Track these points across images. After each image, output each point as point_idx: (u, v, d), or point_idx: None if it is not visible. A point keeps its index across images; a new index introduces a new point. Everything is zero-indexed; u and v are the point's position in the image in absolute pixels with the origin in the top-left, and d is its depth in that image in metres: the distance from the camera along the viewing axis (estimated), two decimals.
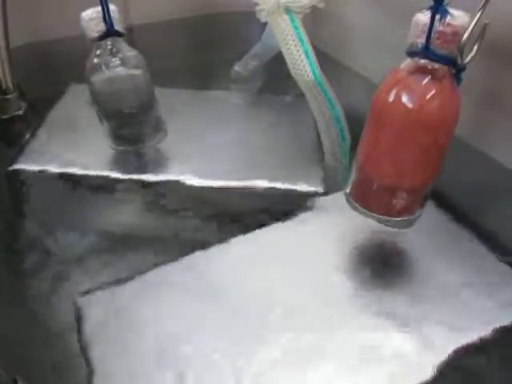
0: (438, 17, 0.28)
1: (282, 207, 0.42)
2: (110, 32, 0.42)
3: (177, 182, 0.46)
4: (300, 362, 0.31)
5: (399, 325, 0.33)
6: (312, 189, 0.44)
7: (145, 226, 0.43)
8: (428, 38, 0.29)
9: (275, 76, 0.58)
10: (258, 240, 0.40)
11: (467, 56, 0.30)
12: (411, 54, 0.30)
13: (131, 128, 0.48)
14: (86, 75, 0.44)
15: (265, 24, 0.49)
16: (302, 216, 0.42)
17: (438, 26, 0.28)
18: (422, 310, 0.34)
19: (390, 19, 0.52)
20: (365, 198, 0.36)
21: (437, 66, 0.30)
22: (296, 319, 0.34)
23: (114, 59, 0.44)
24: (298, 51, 0.44)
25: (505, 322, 0.33)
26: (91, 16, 0.41)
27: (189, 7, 0.74)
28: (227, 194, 0.45)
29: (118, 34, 0.43)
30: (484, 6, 0.29)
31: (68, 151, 0.49)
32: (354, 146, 0.39)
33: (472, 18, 0.29)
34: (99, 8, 0.41)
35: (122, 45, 0.44)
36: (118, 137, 0.48)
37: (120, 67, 0.44)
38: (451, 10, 0.28)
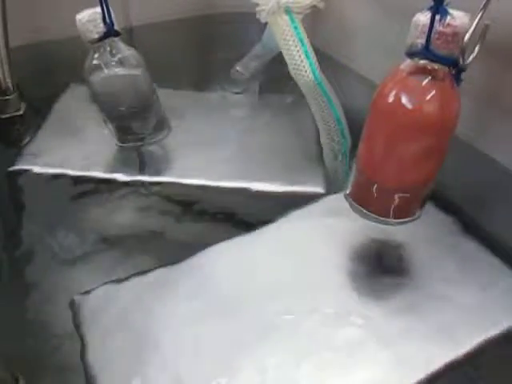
0: (438, 17, 0.28)
1: (282, 208, 0.42)
2: (110, 32, 0.42)
3: (177, 182, 0.46)
4: (300, 362, 0.31)
5: (399, 325, 0.33)
6: (312, 189, 0.44)
7: (145, 226, 0.43)
8: (428, 38, 0.29)
9: (275, 76, 0.58)
10: (258, 240, 0.40)
11: (469, 57, 0.29)
12: (411, 54, 0.30)
13: (133, 126, 0.48)
14: (84, 76, 0.44)
15: (265, 24, 0.49)
16: (302, 217, 0.41)
17: (437, 27, 0.28)
18: (423, 311, 0.34)
19: (390, 19, 0.52)
20: (365, 199, 0.36)
21: (437, 66, 0.30)
22: (296, 319, 0.34)
23: (113, 59, 0.44)
24: (298, 51, 0.45)
25: (506, 325, 0.33)
26: (88, 18, 0.41)
27: (189, 7, 0.74)
28: (227, 194, 0.45)
29: (116, 34, 0.43)
30: (485, 6, 0.29)
31: (68, 151, 0.49)
32: (354, 146, 0.39)
33: (473, 19, 0.29)
34: (93, 9, 0.41)
35: (120, 45, 0.44)
36: (121, 136, 0.48)
37: (119, 67, 0.44)
38: (451, 11, 0.28)
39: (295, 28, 0.44)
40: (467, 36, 0.28)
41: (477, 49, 0.29)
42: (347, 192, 0.37)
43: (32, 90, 0.57)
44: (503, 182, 0.44)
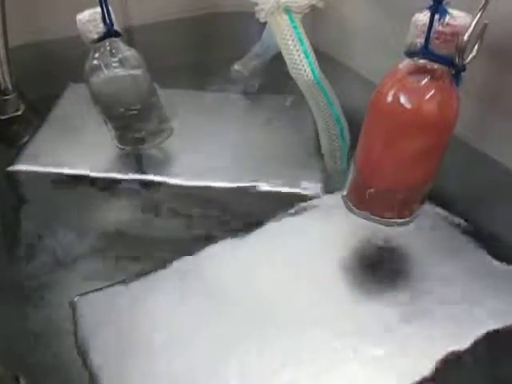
0: (437, 17, 0.28)
1: (280, 207, 0.42)
2: (109, 33, 0.42)
3: (176, 182, 0.46)
4: (299, 362, 0.31)
5: (398, 325, 0.33)
6: (311, 189, 0.44)
7: (145, 226, 0.43)
8: (427, 37, 0.29)
9: (275, 76, 0.58)
10: (258, 240, 0.40)
11: (467, 56, 0.29)
12: (410, 53, 0.30)
13: (134, 127, 0.48)
14: (85, 77, 0.44)
15: (265, 24, 0.49)
16: (301, 217, 0.41)
17: (437, 26, 0.28)
18: (421, 310, 0.34)
19: (389, 19, 0.52)
20: (363, 199, 0.35)
21: (436, 66, 0.30)
22: (295, 319, 0.34)
23: (113, 60, 0.44)
24: (297, 51, 0.44)
25: (503, 324, 0.33)
26: (88, 18, 0.41)
27: (189, 7, 0.74)
28: (227, 194, 0.45)
29: (117, 35, 0.43)
30: (484, 5, 0.28)
31: (67, 151, 0.49)
32: (353, 146, 0.39)
33: (472, 18, 0.28)
34: (94, 9, 0.41)
35: (120, 45, 0.44)
36: (122, 137, 0.48)
37: (120, 68, 0.44)
38: (450, 10, 0.28)
39: (294, 27, 0.44)
40: (466, 36, 0.28)
41: (476, 48, 0.29)
42: (345, 192, 0.37)
43: (31, 90, 0.57)
44: (503, 182, 0.44)
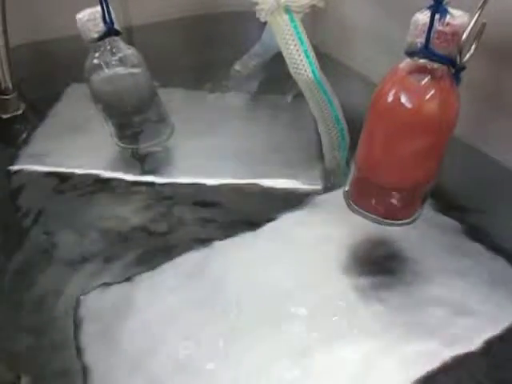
0: (437, 16, 0.28)
1: (281, 206, 0.42)
2: (110, 32, 0.43)
3: (177, 181, 0.46)
4: (300, 362, 0.31)
5: (399, 324, 0.33)
6: (311, 188, 0.44)
7: (146, 225, 0.43)
8: (427, 37, 0.29)
9: (275, 75, 0.58)
10: (258, 239, 0.40)
11: (466, 55, 0.29)
12: (410, 53, 0.30)
13: (134, 125, 0.48)
14: (85, 76, 0.44)
15: (265, 24, 0.49)
16: (301, 215, 0.42)
17: (437, 26, 0.28)
18: (422, 311, 0.34)
19: (389, 19, 0.52)
20: (363, 198, 0.36)
21: (436, 65, 0.30)
22: (295, 318, 0.34)
23: (113, 58, 0.44)
24: (297, 51, 0.44)
25: (507, 324, 0.33)
26: (88, 17, 0.41)
27: (189, 7, 0.74)
28: (227, 193, 0.45)
29: (117, 33, 0.43)
30: (483, 5, 0.29)
31: (68, 151, 0.49)
32: (353, 146, 0.39)
33: (470, 18, 0.29)
34: (94, 9, 0.41)
35: (121, 44, 0.44)
36: (122, 136, 0.48)
37: (120, 66, 0.44)
38: (451, 10, 0.28)
39: (295, 27, 0.44)
40: (465, 35, 0.28)
41: (473, 47, 0.29)
42: (346, 190, 0.37)
43: (32, 90, 0.57)
44: (503, 181, 0.44)
